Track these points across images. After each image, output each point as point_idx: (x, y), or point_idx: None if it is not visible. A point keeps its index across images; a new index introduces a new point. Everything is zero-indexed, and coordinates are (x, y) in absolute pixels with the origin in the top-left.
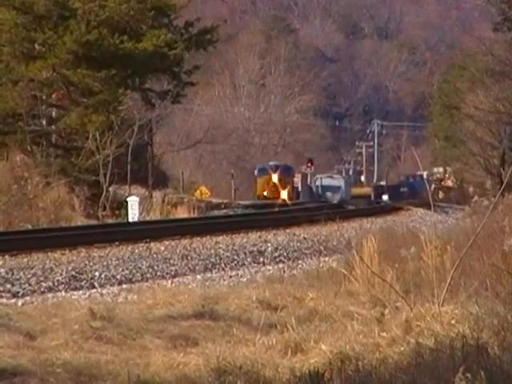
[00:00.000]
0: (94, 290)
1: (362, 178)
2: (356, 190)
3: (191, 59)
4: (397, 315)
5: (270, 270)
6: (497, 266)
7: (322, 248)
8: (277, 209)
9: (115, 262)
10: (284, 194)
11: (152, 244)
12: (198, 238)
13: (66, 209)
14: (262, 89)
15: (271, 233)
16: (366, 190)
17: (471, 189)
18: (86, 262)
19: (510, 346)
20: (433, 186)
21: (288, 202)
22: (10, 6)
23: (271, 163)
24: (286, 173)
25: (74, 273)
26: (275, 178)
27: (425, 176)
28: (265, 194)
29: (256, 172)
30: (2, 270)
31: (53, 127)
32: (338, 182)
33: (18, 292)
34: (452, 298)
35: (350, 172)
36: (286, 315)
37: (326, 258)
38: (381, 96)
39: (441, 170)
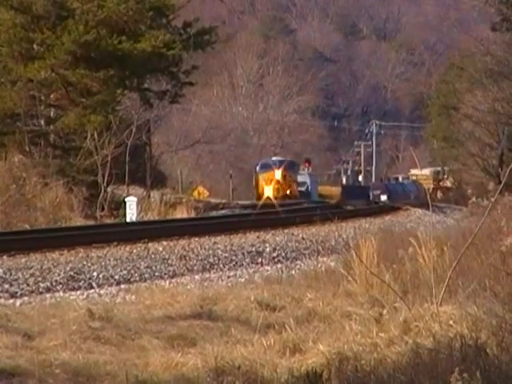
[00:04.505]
0: (92, 291)
1: (360, 178)
2: (324, 189)
3: (189, 59)
4: (395, 315)
5: (268, 270)
6: (495, 267)
7: (320, 248)
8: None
9: (113, 262)
10: (288, 192)
11: (150, 244)
12: (196, 239)
13: (64, 209)
14: (261, 89)
15: (269, 233)
16: (334, 189)
17: (469, 190)
18: (84, 263)
19: (508, 347)
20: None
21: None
22: (8, 6)
23: (274, 158)
24: (291, 169)
25: (72, 273)
26: (278, 174)
27: (400, 179)
28: (268, 195)
29: (258, 168)
30: (0, 271)
31: (51, 127)
32: (304, 178)
33: (16, 292)
34: (450, 298)
35: (349, 172)
36: (284, 315)
37: (325, 259)
38: (379, 96)
39: (423, 172)
